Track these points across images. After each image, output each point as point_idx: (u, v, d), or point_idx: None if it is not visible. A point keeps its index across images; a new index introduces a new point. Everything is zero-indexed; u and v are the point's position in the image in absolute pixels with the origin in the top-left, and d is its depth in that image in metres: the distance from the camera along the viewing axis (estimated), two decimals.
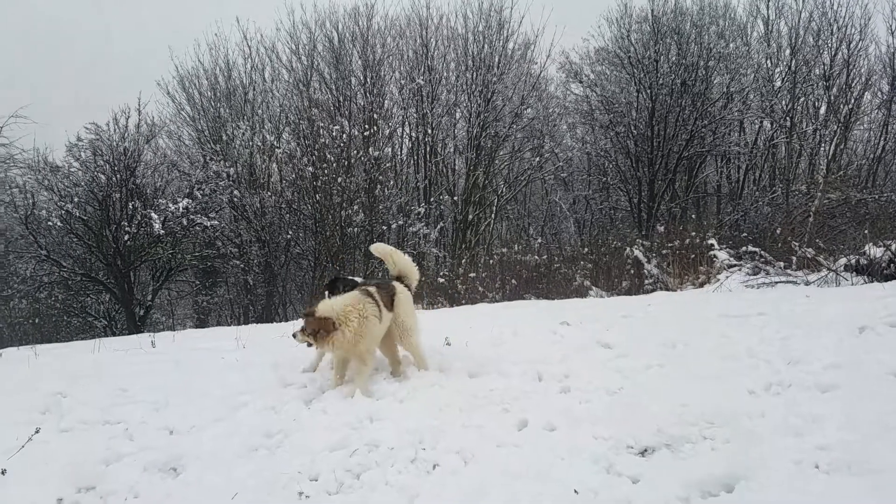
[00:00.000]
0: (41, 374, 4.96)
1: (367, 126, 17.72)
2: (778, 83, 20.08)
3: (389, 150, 19.69)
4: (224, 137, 19.49)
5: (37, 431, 3.51)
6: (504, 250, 14.30)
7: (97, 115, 17.15)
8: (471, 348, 5.03)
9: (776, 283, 8.03)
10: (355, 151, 17.28)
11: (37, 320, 16.46)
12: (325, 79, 20.09)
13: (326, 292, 4.73)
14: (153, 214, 15.13)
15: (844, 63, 19.33)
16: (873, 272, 7.44)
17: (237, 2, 25.96)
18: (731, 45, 19.86)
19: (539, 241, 18.55)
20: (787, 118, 19.95)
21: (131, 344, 6.95)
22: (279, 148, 18.77)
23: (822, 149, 19.94)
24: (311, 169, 17.19)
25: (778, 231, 11.14)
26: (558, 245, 20.16)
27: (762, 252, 9.17)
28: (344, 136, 17.23)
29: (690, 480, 2.78)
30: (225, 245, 17.65)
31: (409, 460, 3.12)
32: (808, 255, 8.56)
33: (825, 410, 3.26)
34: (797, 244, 8.94)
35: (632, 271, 11.49)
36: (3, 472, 3.05)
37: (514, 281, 12.71)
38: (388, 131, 19.44)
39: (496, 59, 19.79)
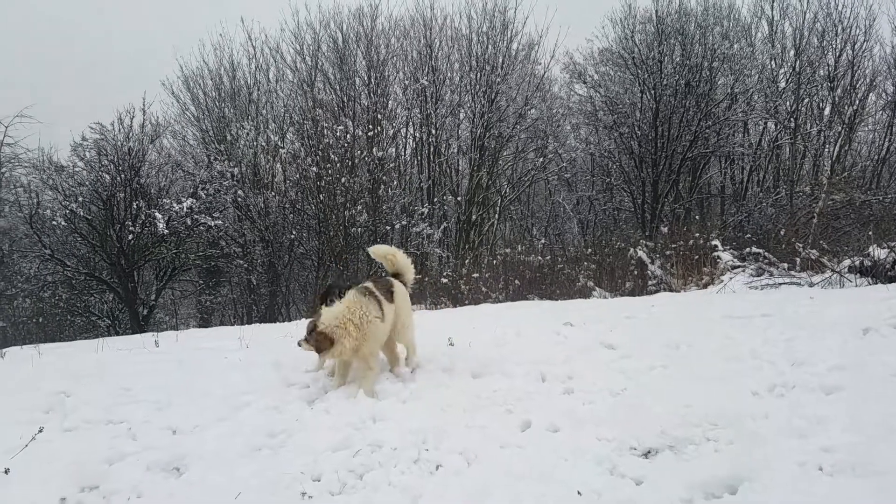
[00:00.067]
0: (44, 373, 4.97)
1: (370, 126, 17.74)
2: (782, 84, 19.98)
3: (393, 150, 19.69)
4: (228, 137, 19.48)
5: (40, 430, 3.51)
6: (507, 251, 14.26)
7: (98, 115, 17.10)
8: (474, 349, 5.03)
9: (780, 284, 7.98)
10: (359, 152, 17.29)
11: (40, 319, 16.48)
12: (330, 79, 20.09)
13: (322, 304, 4.66)
14: (157, 214, 15.15)
15: (849, 64, 19.23)
16: (877, 274, 7.40)
17: (241, 2, 25.95)
18: (736, 45, 19.73)
19: (542, 241, 18.56)
20: (792, 119, 19.84)
21: (135, 343, 6.97)
22: (283, 148, 18.76)
23: (826, 150, 19.80)
24: (314, 169, 17.20)
25: (782, 232, 11.11)
26: (562, 246, 20.11)
27: (766, 253, 9.11)
28: (348, 136, 17.25)
29: (694, 482, 2.77)
30: (228, 245, 17.63)
31: (412, 461, 3.12)
32: (812, 257, 8.52)
33: (829, 412, 3.25)
34: (801, 245, 8.89)
35: (635, 272, 11.47)
36: (6, 472, 3.05)
37: (517, 281, 12.69)
38: (391, 132, 19.44)
39: (500, 60, 19.73)
